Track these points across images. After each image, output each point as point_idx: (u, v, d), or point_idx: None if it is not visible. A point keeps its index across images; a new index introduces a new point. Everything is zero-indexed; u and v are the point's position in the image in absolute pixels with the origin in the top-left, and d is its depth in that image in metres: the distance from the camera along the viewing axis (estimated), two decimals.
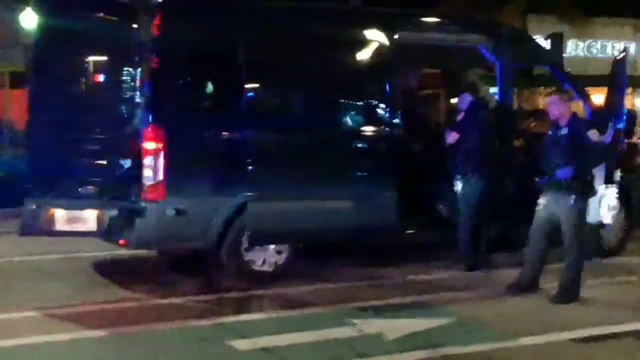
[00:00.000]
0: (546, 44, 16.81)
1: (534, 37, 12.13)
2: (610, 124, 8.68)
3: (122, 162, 7.91)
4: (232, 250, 8.02)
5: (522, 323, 6.83)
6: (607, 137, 8.56)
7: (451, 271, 8.85)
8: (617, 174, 8.60)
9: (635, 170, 10.18)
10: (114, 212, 7.78)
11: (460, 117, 9.12)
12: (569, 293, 7.55)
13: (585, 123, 8.24)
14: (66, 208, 7.93)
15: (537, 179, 7.80)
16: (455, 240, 8.94)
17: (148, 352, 6.06)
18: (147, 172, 7.49)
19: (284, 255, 8.30)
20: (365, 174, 8.46)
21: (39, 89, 8.36)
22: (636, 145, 10.87)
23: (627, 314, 7.25)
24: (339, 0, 15.45)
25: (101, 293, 7.77)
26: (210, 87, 8.17)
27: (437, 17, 9.66)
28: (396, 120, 8.68)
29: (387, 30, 8.68)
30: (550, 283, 7.75)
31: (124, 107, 7.98)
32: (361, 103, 8.83)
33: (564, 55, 19.37)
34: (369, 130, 8.63)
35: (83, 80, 8.41)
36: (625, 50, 9.85)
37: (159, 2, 7.89)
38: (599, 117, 8.93)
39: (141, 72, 7.71)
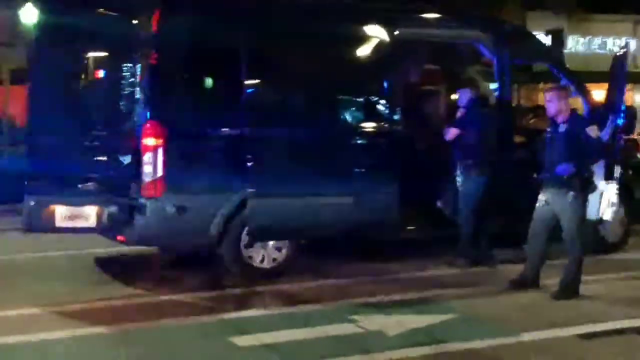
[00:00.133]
0: (546, 40, 16.80)
1: (534, 33, 12.11)
2: (610, 120, 8.67)
3: (121, 158, 7.92)
4: (232, 247, 8.02)
5: (523, 319, 6.84)
6: (606, 134, 8.56)
7: (453, 267, 8.85)
8: (617, 170, 8.60)
9: (635, 166, 10.18)
10: (114, 209, 7.78)
11: (460, 113, 9.13)
12: (569, 289, 7.56)
13: (584, 119, 8.24)
14: (66, 205, 7.92)
15: (536, 175, 7.80)
16: (456, 237, 8.95)
17: (150, 349, 6.07)
18: (147, 169, 7.49)
19: (283, 252, 8.30)
20: (365, 170, 8.44)
21: (39, 86, 8.35)
22: (636, 141, 10.87)
23: (628, 309, 7.25)
24: None
25: (103, 290, 7.78)
26: (210, 83, 8.16)
27: (436, 14, 9.65)
28: (397, 117, 8.67)
29: (386, 26, 8.67)
30: (551, 279, 7.75)
31: (123, 104, 7.97)
32: (361, 99, 8.82)
33: (563, 51, 19.35)
34: (369, 126, 8.62)
35: (83, 76, 8.42)
36: (625, 46, 9.82)
37: None
38: (598, 114, 8.93)
39: (141, 68, 7.70)
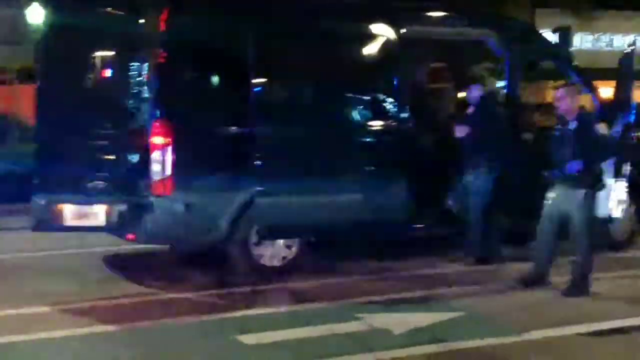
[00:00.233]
0: (554, 37, 16.75)
1: (542, 30, 12.07)
2: (619, 117, 8.65)
3: (130, 157, 7.93)
4: (241, 245, 8.03)
5: (531, 317, 6.82)
6: (616, 131, 8.53)
7: (461, 265, 8.84)
8: (626, 168, 8.57)
9: None
10: (123, 207, 7.79)
11: (470, 111, 9.11)
12: (579, 287, 7.54)
13: (593, 117, 8.22)
14: (75, 203, 7.94)
15: (545, 173, 7.79)
16: (465, 234, 8.93)
17: (157, 347, 6.08)
18: (156, 167, 7.50)
19: (293, 250, 8.30)
20: (374, 168, 8.44)
21: (47, 84, 8.36)
22: None
23: (634, 308, 7.23)
24: None
25: (111, 288, 7.79)
26: (218, 82, 8.17)
27: (445, 11, 9.63)
28: (406, 115, 8.67)
29: (395, 24, 8.66)
30: (560, 277, 7.73)
31: (132, 102, 7.98)
32: (370, 97, 8.78)
33: (571, 48, 19.29)
34: (378, 124, 8.60)
35: (91, 75, 8.42)
36: (633, 43, 9.79)
37: None
38: (608, 111, 8.90)
39: (149, 67, 7.71)
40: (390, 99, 8.73)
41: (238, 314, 6.95)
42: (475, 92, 9.10)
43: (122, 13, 8.02)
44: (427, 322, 6.60)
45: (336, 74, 8.36)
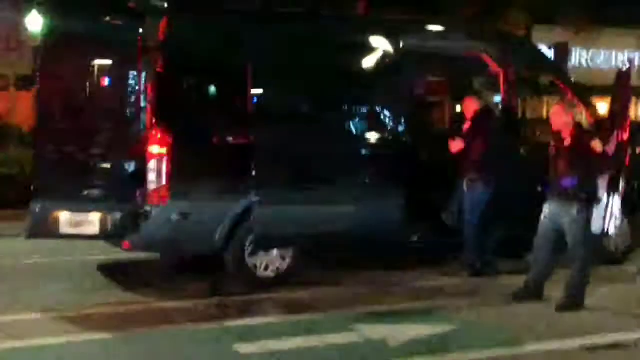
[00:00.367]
0: (551, 53, 16.86)
1: (539, 46, 12.16)
2: (614, 134, 8.68)
3: (127, 165, 7.95)
4: (237, 255, 8.03)
5: (527, 330, 6.83)
6: (611, 148, 8.56)
7: (456, 277, 8.85)
8: (621, 184, 8.60)
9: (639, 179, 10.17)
10: (118, 216, 7.80)
11: (466, 126, 9.14)
12: (574, 301, 7.56)
13: (588, 133, 8.25)
14: (71, 211, 7.95)
15: (541, 188, 7.82)
16: (460, 247, 8.95)
17: (152, 355, 6.08)
18: (152, 176, 7.52)
19: (287, 260, 8.30)
20: (370, 180, 8.48)
21: (46, 92, 8.38)
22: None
23: (632, 322, 7.26)
24: (340, 7, 15.50)
25: (107, 296, 7.80)
26: (215, 91, 8.20)
27: (442, 26, 9.68)
28: (402, 128, 8.71)
29: (393, 38, 8.70)
30: (555, 291, 7.75)
31: (129, 111, 8.01)
32: (367, 110, 8.83)
33: (568, 65, 19.39)
34: (375, 137, 8.64)
35: (89, 83, 8.44)
36: (630, 61, 9.86)
37: (165, 6, 7.92)
38: (603, 128, 8.93)
39: (146, 75, 7.73)
40: (387, 113, 8.77)
41: (233, 323, 6.95)
42: (471, 107, 9.13)
43: (121, 22, 8.05)
44: (423, 334, 6.61)
45: (333, 86, 8.40)
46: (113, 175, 8.06)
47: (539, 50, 11.19)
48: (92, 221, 7.91)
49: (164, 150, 7.52)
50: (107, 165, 8.16)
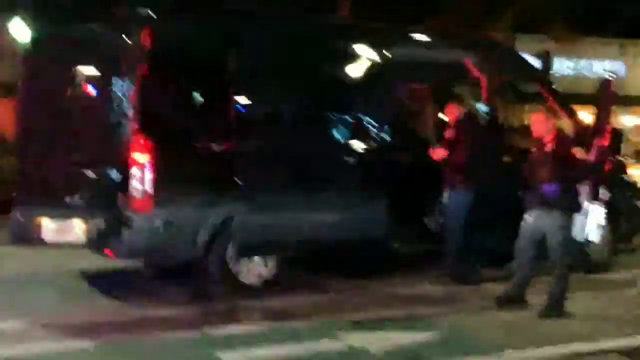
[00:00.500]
0: (534, 61, 16.92)
1: (522, 54, 12.22)
2: (595, 141, 8.74)
3: (110, 172, 7.90)
4: (219, 262, 8.01)
5: (508, 336, 6.86)
6: (592, 155, 8.62)
7: (439, 284, 8.86)
8: (603, 191, 8.65)
9: (621, 187, 10.24)
10: (101, 223, 7.76)
11: (448, 133, 9.17)
12: (555, 307, 7.60)
13: (570, 140, 8.31)
14: (53, 218, 7.91)
15: (522, 194, 7.86)
16: (443, 254, 8.97)
17: None
18: (135, 183, 7.49)
19: (270, 267, 8.30)
20: (352, 186, 8.49)
21: (28, 99, 8.35)
22: (622, 162, 10.94)
23: (612, 329, 7.29)
24: (324, 11, 15.55)
25: (89, 304, 7.78)
26: (199, 99, 8.19)
27: (425, 33, 9.72)
28: (385, 135, 8.74)
29: (377, 45, 8.74)
30: (536, 297, 7.78)
31: (113, 118, 7.97)
32: (350, 117, 8.84)
33: (551, 73, 19.49)
34: (358, 143, 8.66)
35: (73, 90, 8.41)
36: (612, 71, 9.94)
37: (149, 14, 7.91)
38: (584, 135, 8.99)
39: (131, 83, 7.71)
40: (370, 119, 8.79)
41: (217, 331, 6.94)
42: (455, 113, 9.17)
43: (105, 29, 8.03)
44: (405, 341, 6.62)
45: (317, 93, 8.43)
46: (97, 182, 8.02)
47: (523, 57, 11.24)
48: (75, 228, 7.87)
49: (147, 157, 7.49)
50: (90, 172, 8.10)
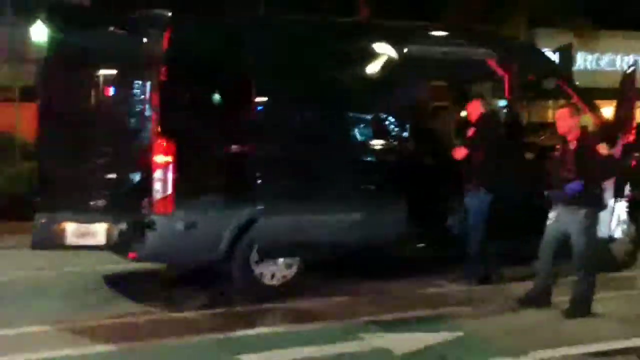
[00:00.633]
0: (555, 57, 16.80)
1: (543, 50, 12.14)
2: (619, 137, 8.66)
3: (132, 175, 7.93)
4: (242, 264, 8.01)
5: (532, 337, 6.81)
6: (616, 151, 8.54)
7: (461, 285, 8.82)
8: (627, 188, 8.57)
9: None
10: (124, 226, 7.78)
11: (470, 132, 9.10)
12: (580, 307, 7.53)
13: (594, 137, 8.23)
14: (76, 222, 7.94)
15: (546, 193, 7.79)
16: (465, 254, 8.92)
17: None
18: (157, 185, 7.49)
19: (293, 269, 8.27)
20: (374, 187, 8.44)
21: (49, 103, 8.38)
22: None
23: (637, 328, 7.21)
24: (343, 13, 15.53)
25: (111, 307, 7.79)
26: (220, 101, 8.18)
27: (445, 31, 9.66)
28: (406, 136, 8.69)
29: (396, 44, 8.68)
30: (561, 297, 7.72)
31: (134, 121, 7.99)
32: (370, 117, 8.80)
33: (573, 68, 19.36)
34: (378, 145, 8.61)
35: (93, 93, 8.43)
36: (634, 63, 9.82)
37: (169, 16, 7.91)
38: (608, 131, 8.91)
39: (151, 85, 7.72)
40: (390, 120, 8.74)
41: (239, 333, 6.94)
42: (476, 112, 9.10)
43: (125, 31, 8.05)
44: (428, 342, 6.59)
45: (337, 94, 8.38)
46: (118, 185, 8.04)
47: (544, 53, 11.16)
48: (98, 232, 7.89)
49: (169, 159, 7.49)
50: (112, 176, 8.13)
